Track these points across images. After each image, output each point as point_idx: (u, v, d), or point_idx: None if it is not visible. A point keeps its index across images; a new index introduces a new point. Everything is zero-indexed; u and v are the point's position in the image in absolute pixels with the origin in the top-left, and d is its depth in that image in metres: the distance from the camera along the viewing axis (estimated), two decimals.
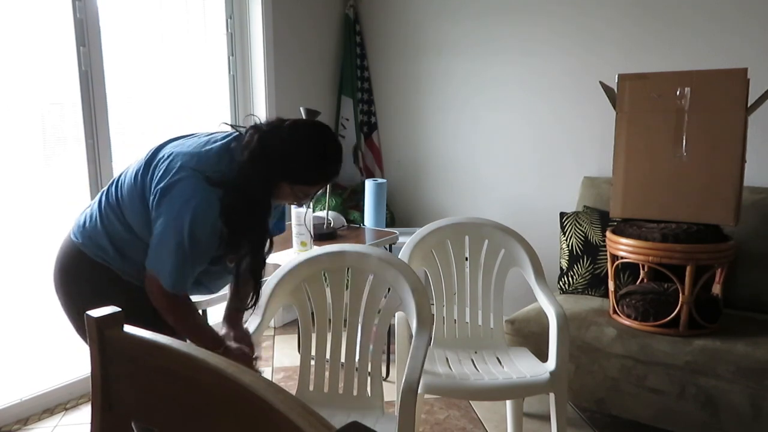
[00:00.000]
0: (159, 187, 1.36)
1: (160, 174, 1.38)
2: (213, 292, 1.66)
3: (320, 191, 1.49)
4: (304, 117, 2.58)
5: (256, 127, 1.40)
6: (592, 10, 2.89)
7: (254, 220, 1.41)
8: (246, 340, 1.65)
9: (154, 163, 1.43)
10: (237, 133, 1.45)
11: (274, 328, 3.41)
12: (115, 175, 1.55)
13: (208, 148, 1.41)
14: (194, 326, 1.46)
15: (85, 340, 1.46)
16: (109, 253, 1.45)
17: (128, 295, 1.42)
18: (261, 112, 3.25)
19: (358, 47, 3.64)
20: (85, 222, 1.49)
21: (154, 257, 1.37)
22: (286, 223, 1.78)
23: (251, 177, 1.36)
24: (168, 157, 1.40)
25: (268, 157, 1.36)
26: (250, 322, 1.78)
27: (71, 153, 2.50)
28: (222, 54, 3.16)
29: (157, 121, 2.86)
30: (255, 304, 1.59)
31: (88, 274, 1.47)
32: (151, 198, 1.38)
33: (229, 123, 1.46)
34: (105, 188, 1.53)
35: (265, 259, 1.51)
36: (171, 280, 1.36)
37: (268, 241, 1.49)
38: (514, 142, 3.23)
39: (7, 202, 2.37)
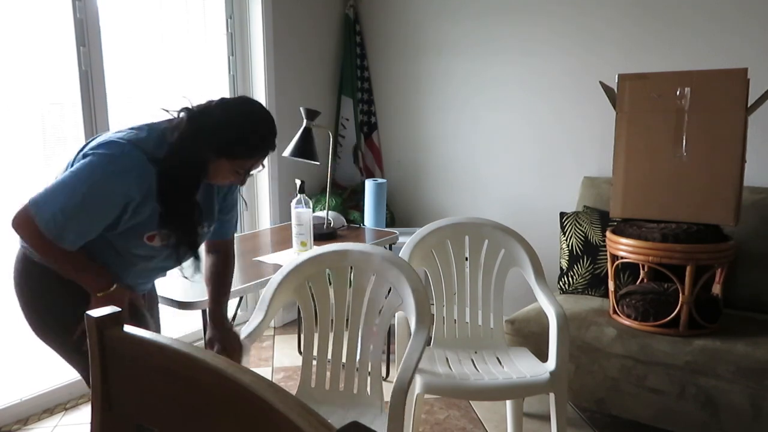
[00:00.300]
0: (84, 151, 1.36)
1: (88, 147, 1.38)
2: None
3: (260, 166, 1.49)
4: (304, 117, 2.59)
5: (186, 108, 1.42)
6: (592, 10, 2.90)
7: (183, 195, 1.41)
8: (230, 340, 1.65)
9: (86, 145, 1.42)
10: (170, 117, 1.45)
11: (274, 328, 3.41)
12: None
13: (144, 128, 1.42)
14: (76, 268, 1.40)
15: (46, 341, 1.48)
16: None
17: (74, 297, 1.41)
18: None
19: (358, 47, 3.64)
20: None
21: (42, 195, 1.33)
22: (273, 226, 1.77)
23: (182, 155, 1.36)
24: (100, 138, 1.40)
25: (198, 134, 1.37)
26: (253, 319, 1.78)
27: (71, 153, 2.50)
28: (222, 54, 3.16)
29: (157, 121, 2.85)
30: (197, 270, 1.58)
31: (34, 278, 1.45)
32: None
33: (166, 109, 1.47)
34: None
35: (197, 233, 1.49)
36: (50, 222, 1.31)
37: (200, 222, 1.49)
38: (514, 142, 3.23)
39: (7, 202, 2.37)
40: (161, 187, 1.36)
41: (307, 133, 2.58)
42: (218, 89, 3.16)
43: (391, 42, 3.60)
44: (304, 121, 2.57)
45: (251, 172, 1.51)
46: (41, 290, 1.46)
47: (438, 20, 3.39)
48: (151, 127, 1.43)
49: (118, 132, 1.41)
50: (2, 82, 2.29)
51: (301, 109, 2.60)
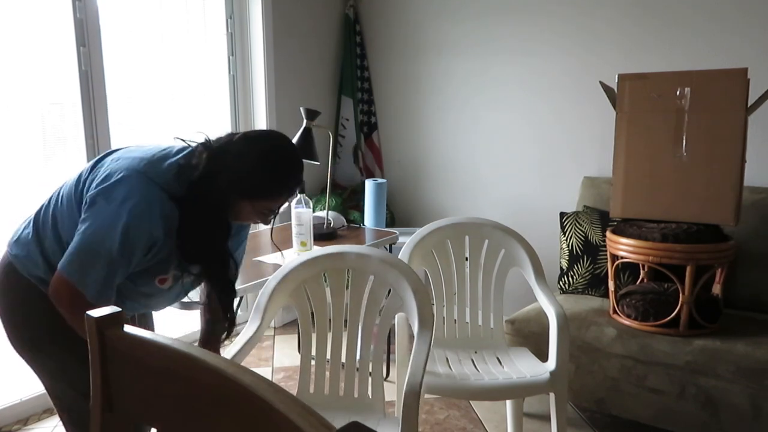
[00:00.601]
0: (95, 190, 1.25)
1: (100, 178, 1.27)
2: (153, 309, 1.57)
3: (284, 205, 1.37)
4: (304, 117, 2.59)
5: (205, 145, 1.31)
6: (592, 10, 2.90)
7: (209, 241, 1.31)
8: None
9: (99, 165, 1.33)
10: (189, 149, 1.34)
11: (274, 328, 3.41)
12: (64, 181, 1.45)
13: (159, 156, 1.30)
14: None
15: (19, 352, 1.40)
16: (39, 265, 1.33)
17: (54, 313, 1.30)
18: (261, 112, 3.26)
19: (358, 47, 3.64)
20: (20, 231, 1.40)
21: (77, 264, 1.22)
22: (274, 226, 1.68)
23: (203, 197, 1.26)
24: (113, 160, 1.31)
25: (219, 175, 1.26)
26: (250, 323, 1.77)
27: (71, 153, 2.50)
28: (222, 54, 3.16)
29: (157, 121, 2.86)
30: (229, 335, 1.49)
31: (14, 289, 1.37)
32: (84, 201, 1.27)
33: (182, 138, 1.36)
34: (49, 196, 1.41)
35: (231, 284, 1.40)
36: (96, 293, 1.22)
37: (232, 264, 1.39)
38: (514, 142, 3.23)
39: (7, 202, 2.37)
40: (185, 232, 1.27)
41: (307, 133, 2.58)
42: (218, 89, 3.16)
43: (391, 42, 3.60)
44: (304, 121, 2.57)
45: (276, 212, 1.40)
46: (20, 302, 1.38)
47: (438, 20, 3.39)
48: (166, 156, 1.31)
49: (131, 155, 1.30)
50: (2, 82, 2.29)
51: (301, 109, 2.60)
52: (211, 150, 1.29)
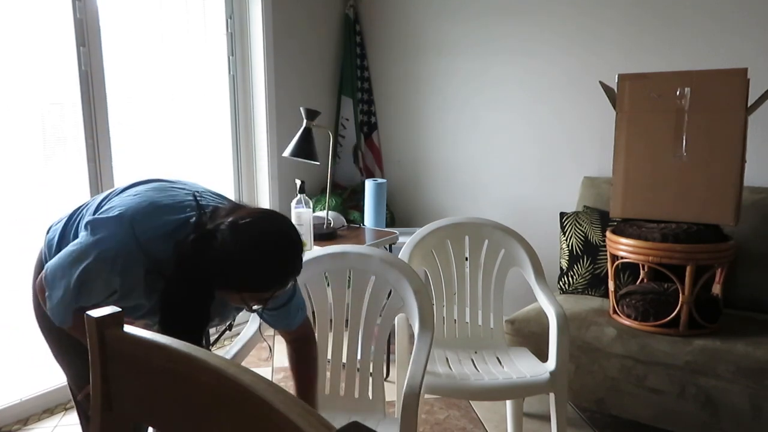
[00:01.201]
0: (93, 216, 1.27)
1: (109, 206, 1.28)
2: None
3: (276, 295, 1.25)
4: (304, 117, 2.59)
5: (200, 223, 1.23)
6: (592, 10, 2.90)
7: (187, 319, 1.23)
8: None
9: (128, 191, 1.35)
10: (191, 216, 1.26)
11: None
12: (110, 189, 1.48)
13: (164, 208, 1.26)
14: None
15: (45, 338, 1.46)
16: (51, 257, 1.36)
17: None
18: (261, 112, 3.26)
19: (358, 47, 3.64)
20: (55, 223, 1.45)
21: (53, 272, 1.23)
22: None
23: (185, 280, 1.19)
24: (133, 193, 1.30)
25: (201, 262, 1.17)
26: (250, 323, 1.77)
27: (71, 153, 2.50)
28: (222, 54, 3.16)
29: (157, 121, 2.86)
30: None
31: (37, 276, 1.41)
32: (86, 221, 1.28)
33: (203, 199, 1.30)
34: (84, 204, 1.45)
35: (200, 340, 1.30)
36: (51, 309, 1.24)
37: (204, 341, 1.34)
38: (514, 142, 3.23)
39: (7, 202, 2.37)
40: (164, 302, 1.22)
41: (307, 133, 2.58)
42: (218, 89, 3.16)
43: (391, 42, 3.60)
44: (304, 121, 2.57)
45: (268, 301, 1.27)
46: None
47: (438, 20, 3.39)
48: (173, 210, 1.26)
49: (139, 199, 1.27)
50: (2, 82, 2.29)
51: (301, 109, 2.60)
52: (200, 231, 1.20)
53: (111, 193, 1.39)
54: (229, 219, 1.19)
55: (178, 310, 1.21)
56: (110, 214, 1.24)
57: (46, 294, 1.24)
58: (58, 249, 1.37)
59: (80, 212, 1.41)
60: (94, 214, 1.32)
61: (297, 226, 2.38)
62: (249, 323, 1.76)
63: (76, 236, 1.35)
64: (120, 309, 0.78)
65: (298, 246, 1.24)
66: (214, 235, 1.17)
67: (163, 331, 1.22)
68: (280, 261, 1.20)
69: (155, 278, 1.22)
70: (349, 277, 1.88)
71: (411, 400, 1.55)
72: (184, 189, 1.35)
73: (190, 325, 1.23)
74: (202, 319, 1.24)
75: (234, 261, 1.16)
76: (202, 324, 1.25)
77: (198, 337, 1.25)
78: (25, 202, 2.41)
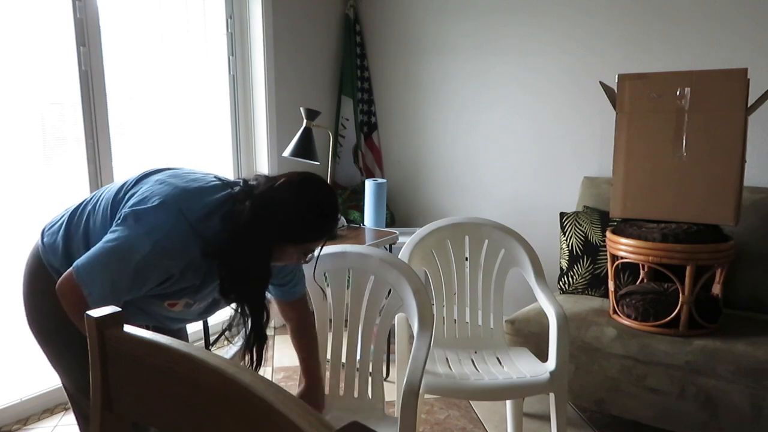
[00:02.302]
0: (130, 209, 1.27)
1: (138, 198, 1.29)
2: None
3: (323, 245, 1.41)
4: (304, 117, 2.59)
5: (247, 192, 1.32)
6: (593, 10, 2.90)
7: (251, 286, 1.34)
8: (310, 395, 1.63)
9: (143, 181, 1.35)
10: (230, 191, 1.34)
11: (274, 328, 3.40)
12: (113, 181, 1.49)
13: (201, 191, 1.31)
14: None
15: (33, 335, 1.46)
16: (58, 258, 1.37)
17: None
18: (261, 112, 3.25)
19: (358, 47, 3.64)
20: (55, 221, 1.44)
21: (89, 270, 1.21)
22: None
23: (247, 245, 1.28)
24: (157, 182, 1.32)
25: (267, 224, 1.28)
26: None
27: (71, 153, 2.50)
28: (222, 54, 3.16)
29: (158, 121, 2.86)
30: (258, 367, 1.49)
31: (36, 274, 1.43)
32: (118, 215, 1.29)
33: (223, 178, 1.38)
34: (90, 195, 1.45)
35: (262, 329, 1.41)
36: (95, 304, 1.18)
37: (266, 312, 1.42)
38: (514, 142, 3.23)
39: (7, 202, 2.37)
40: (227, 276, 1.30)
41: (307, 133, 2.58)
42: (218, 89, 3.16)
43: (391, 42, 3.60)
44: (304, 121, 2.57)
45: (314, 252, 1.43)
46: (38, 289, 1.44)
47: (438, 20, 3.39)
48: (208, 192, 1.31)
49: (173, 183, 1.30)
50: (2, 82, 2.29)
51: (301, 109, 2.60)
52: (254, 198, 1.29)
53: (124, 185, 1.37)
54: (279, 182, 1.32)
55: (245, 274, 1.31)
56: (151, 204, 1.25)
57: (85, 292, 1.21)
58: (67, 250, 1.36)
59: (83, 210, 1.39)
60: (115, 207, 1.32)
61: None
62: (240, 336, 1.77)
63: (87, 236, 1.34)
64: (120, 310, 0.78)
65: (337, 200, 1.41)
66: (272, 196, 1.29)
67: (226, 297, 1.34)
68: (333, 212, 1.37)
69: (206, 257, 1.29)
70: (348, 277, 1.88)
71: (410, 398, 1.55)
72: (197, 173, 1.39)
73: (257, 283, 1.34)
74: (267, 275, 1.35)
75: (300, 215, 1.30)
76: (267, 279, 1.36)
77: (263, 292, 1.37)
78: (25, 202, 2.41)
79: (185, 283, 1.32)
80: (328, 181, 2.79)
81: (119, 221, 1.26)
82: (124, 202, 1.31)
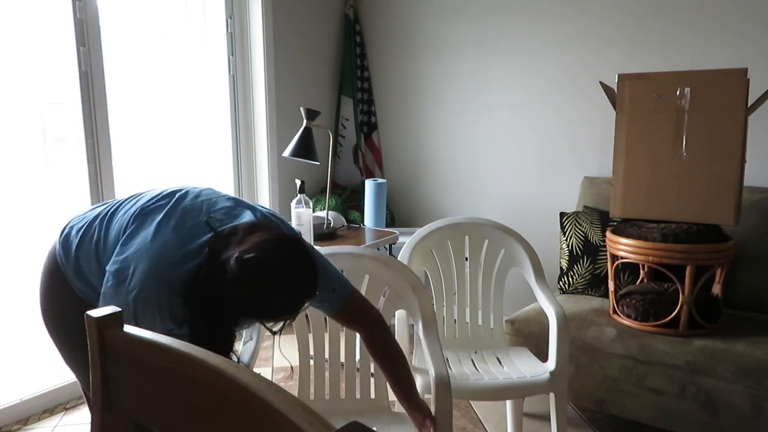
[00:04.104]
0: (115, 269, 1.26)
1: (123, 254, 1.26)
2: None
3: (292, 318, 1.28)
4: (304, 117, 2.59)
5: (211, 255, 1.21)
6: (593, 10, 2.90)
7: (214, 336, 1.24)
8: (421, 411, 1.53)
9: (132, 236, 1.30)
10: (210, 243, 1.25)
11: None
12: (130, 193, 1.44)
13: (184, 256, 1.24)
14: None
15: (52, 338, 1.45)
16: (70, 259, 1.39)
17: (77, 307, 1.35)
18: (261, 112, 3.26)
19: (358, 47, 3.64)
20: (70, 230, 1.44)
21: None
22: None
23: (202, 310, 1.20)
24: (142, 242, 1.27)
25: (215, 295, 1.18)
26: (247, 339, 1.77)
27: (71, 153, 2.50)
28: (222, 54, 3.16)
29: (158, 121, 2.86)
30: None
31: (53, 278, 1.43)
32: (107, 270, 1.28)
33: (215, 227, 1.28)
34: (112, 205, 1.43)
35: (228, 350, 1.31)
36: None
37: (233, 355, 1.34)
38: (514, 142, 3.23)
39: (7, 203, 2.37)
40: (192, 325, 1.23)
41: (307, 133, 2.58)
42: (218, 89, 3.16)
43: (391, 42, 3.60)
44: (304, 121, 2.58)
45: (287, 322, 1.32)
46: (54, 292, 1.44)
47: (438, 20, 3.39)
48: (192, 255, 1.24)
49: (153, 250, 1.25)
50: (2, 82, 2.29)
51: (301, 109, 2.60)
52: (209, 267, 1.20)
53: (123, 226, 1.33)
54: (236, 251, 1.17)
55: (204, 336, 1.22)
56: (134, 268, 1.23)
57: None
58: (77, 261, 1.37)
59: (105, 217, 1.38)
60: (116, 242, 1.30)
61: (297, 226, 2.39)
62: (244, 344, 1.77)
63: (106, 240, 1.34)
64: (120, 310, 0.78)
65: (309, 277, 1.23)
66: (224, 268, 1.17)
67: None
68: (289, 295, 1.21)
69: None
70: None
71: (443, 389, 1.56)
72: (202, 210, 1.32)
73: (217, 345, 1.22)
74: (226, 341, 1.25)
75: (243, 296, 1.17)
76: (227, 345, 1.26)
77: (226, 354, 1.27)
78: (25, 202, 2.41)
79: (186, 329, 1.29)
80: (328, 181, 2.79)
81: (111, 276, 1.25)
82: (112, 253, 1.30)
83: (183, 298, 1.21)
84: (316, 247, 1.59)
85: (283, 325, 1.30)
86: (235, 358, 1.36)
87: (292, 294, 1.22)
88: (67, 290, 1.41)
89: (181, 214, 1.32)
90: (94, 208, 1.47)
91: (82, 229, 1.40)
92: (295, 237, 1.29)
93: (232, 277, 1.16)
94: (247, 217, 1.33)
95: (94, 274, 1.35)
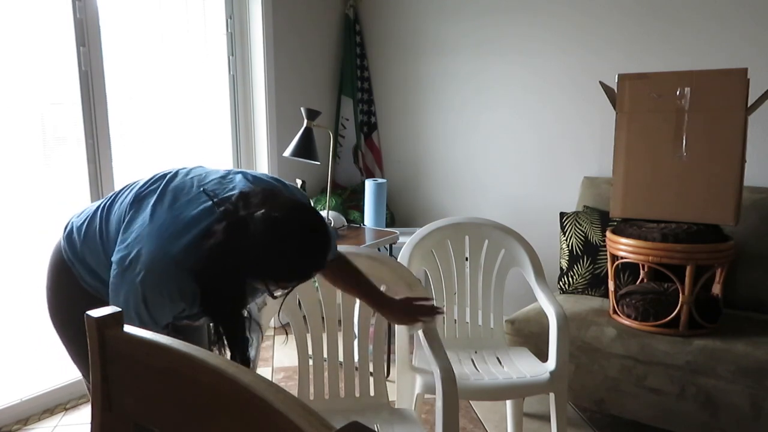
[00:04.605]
0: (119, 257, 1.26)
1: (125, 242, 1.27)
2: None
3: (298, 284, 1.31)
4: (304, 117, 2.59)
5: (225, 216, 1.22)
6: (593, 10, 2.90)
7: (222, 308, 1.28)
8: (397, 303, 1.64)
9: (133, 219, 1.31)
10: (214, 216, 1.26)
11: (274, 328, 3.41)
12: (125, 183, 1.45)
13: (188, 227, 1.25)
14: None
15: (59, 335, 1.46)
16: (77, 255, 1.39)
17: (85, 302, 1.33)
18: (261, 112, 3.25)
19: (358, 47, 3.64)
20: (73, 225, 1.44)
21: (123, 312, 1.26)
22: None
23: (215, 268, 1.21)
24: (141, 226, 1.27)
25: (232, 257, 1.19)
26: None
27: (71, 153, 2.50)
28: (222, 54, 3.16)
29: (158, 121, 2.86)
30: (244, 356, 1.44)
31: (60, 275, 1.43)
32: (112, 260, 1.28)
33: (218, 194, 1.29)
34: (110, 197, 1.43)
35: (243, 351, 1.35)
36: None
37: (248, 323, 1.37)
38: (514, 142, 3.23)
39: (7, 203, 2.37)
40: (202, 299, 1.25)
41: (307, 133, 2.58)
42: (218, 89, 3.16)
43: (391, 42, 3.60)
44: (305, 121, 2.58)
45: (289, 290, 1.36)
46: (62, 288, 1.44)
47: (438, 20, 3.39)
48: (193, 224, 1.25)
49: (155, 232, 1.25)
50: (2, 82, 2.29)
51: (302, 109, 2.60)
52: (231, 221, 1.20)
53: (122, 215, 1.34)
54: (262, 210, 1.19)
55: (219, 301, 1.25)
56: (137, 252, 1.23)
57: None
58: (81, 254, 1.37)
59: (105, 209, 1.39)
60: (117, 231, 1.31)
61: None
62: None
63: (108, 231, 1.35)
64: (120, 309, 0.78)
65: (326, 244, 1.26)
66: (247, 223, 1.18)
67: (212, 319, 1.30)
68: (309, 258, 1.24)
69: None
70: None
71: (449, 384, 1.58)
72: (193, 186, 1.34)
73: (231, 311, 1.29)
74: (241, 303, 1.29)
75: (264, 252, 1.18)
76: (241, 307, 1.30)
77: (235, 316, 1.31)
78: (25, 202, 2.41)
79: (197, 308, 1.30)
80: (328, 181, 2.79)
81: (117, 263, 1.26)
82: (116, 239, 1.30)
83: (190, 271, 1.22)
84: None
85: (289, 291, 1.35)
86: (247, 327, 1.38)
87: (309, 260, 1.24)
88: (75, 286, 1.41)
89: (173, 192, 1.33)
90: (95, 203, 1.47)
91: (86, 223, 1.40)
92: (307, 203, 1.32)
93: (255, 231, 1.17)
94: (242, 184, 1.33)
95: (102, 266, 1.36)
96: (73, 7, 2.40)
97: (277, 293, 1.32)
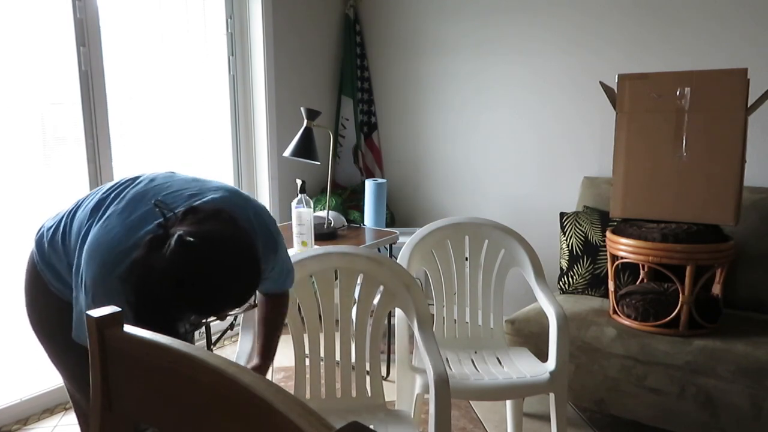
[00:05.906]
0: (75, 281, 1.23)
1: (79, 260, 1.23)
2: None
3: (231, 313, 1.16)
4: (304, 117, 2.58)
5: (159, 228, 1.13)
6: (593, 10, 2.90)
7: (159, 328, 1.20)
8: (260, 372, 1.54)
9: (92, 221, 1.26)
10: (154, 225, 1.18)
11: None
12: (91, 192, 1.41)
13: (128, 245, 1.17)
14: None
15: (39, 340, 1.46)
16: (44, 259, 1.38)
17: (56, 306, 1.36)
18: (261, 112, 3.26)
19: (358, 47, 3.64)
20: (44, 230, 1.42)
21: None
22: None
23: (140, 294, 1.11)
24: (91, 243, 1.22)
25: (152, 275, 1.08)
26: (242, 342, 1.77)
27: (71, 153, 2.50)
28: (222, 54, 3.16)
29: (158, 121, 2.86)
30: None
31: (35, 280, 1.43)
32: (74, 274, 1.25)
33: (162, 208, 1.17)
34: (78, 202, 1.40)
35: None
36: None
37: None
38: (514, 142, 3.23)
39: (7, 203, 2.37)
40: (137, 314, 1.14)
41: (307, 133, 2.58)
42: (218, 89, 3.16)
43: (391, 42, 3.60)
44: (305, 121, 2.57)
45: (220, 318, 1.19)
46: (37, 294, 1.45)
47: (438, 20, 3.39)
48: (133, 245, 1.15)
49: (102, 248, 1.19)
50: (2, 82, 2.29)
51: (302, 109, 2.60)
52: (150, 241, 1.10)
53: (91, 208, 1.31)
54: (181, 231, 1.07)
55: (150, 315, 1.13)
56: (84, 270, 1.20)
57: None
58: (49, 258, 1.36)
59: (70, 215, 1.37)
60: (77, 240, 1.28)
61: (298, 226, 2.39)
62: (239, 347, 1.77)
63: (69, 238, 1.32)
64: (120, 309, 0.78)
65: (232, 286, 1.11)
66: (165, 241, 1.07)
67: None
68: (206, 293, 1.09)
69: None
70: (337, 278, 1.87)
71: (442, 387, 1.56)
72: (152, 195, 1.26)
73: (162, 326, 1.14)
74: (170, 319, 1.16)
75: (170, 274, 1.06)
76: (171, 330, 1.14)
77: (174, 335, 1.20)
78: (25, 202, 2.41)
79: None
80: (328, 181, 2.79)
81: (75, 285, 1.23)
82: (78, 250, 1.27)
83: (130, 286, 1.12)
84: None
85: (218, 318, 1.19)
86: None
87: (208, 291, 1.09)
88: (46, 291, 1.40)
89: (130, 202, 1.25)
90: (65, 209, 1.44)
91: (52, 229, 1.39)
92: (245, 232, 1.17)
93: (167, 252, 1.05)
94: (206, 197, 1.24)
95: (66, 271, 1.35)
96: (73, 7, 2.40)
97: (208, 318, 1.18)
